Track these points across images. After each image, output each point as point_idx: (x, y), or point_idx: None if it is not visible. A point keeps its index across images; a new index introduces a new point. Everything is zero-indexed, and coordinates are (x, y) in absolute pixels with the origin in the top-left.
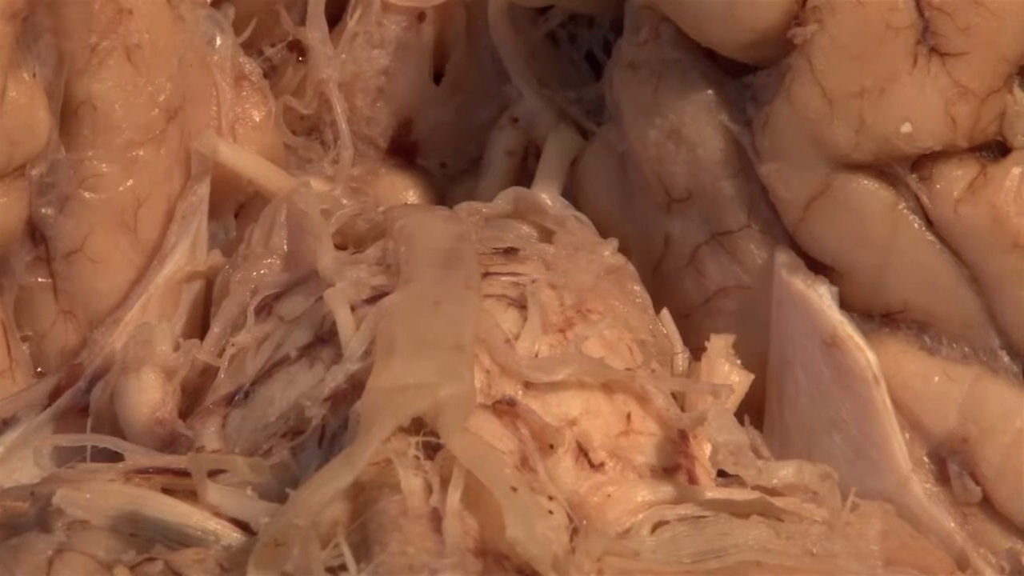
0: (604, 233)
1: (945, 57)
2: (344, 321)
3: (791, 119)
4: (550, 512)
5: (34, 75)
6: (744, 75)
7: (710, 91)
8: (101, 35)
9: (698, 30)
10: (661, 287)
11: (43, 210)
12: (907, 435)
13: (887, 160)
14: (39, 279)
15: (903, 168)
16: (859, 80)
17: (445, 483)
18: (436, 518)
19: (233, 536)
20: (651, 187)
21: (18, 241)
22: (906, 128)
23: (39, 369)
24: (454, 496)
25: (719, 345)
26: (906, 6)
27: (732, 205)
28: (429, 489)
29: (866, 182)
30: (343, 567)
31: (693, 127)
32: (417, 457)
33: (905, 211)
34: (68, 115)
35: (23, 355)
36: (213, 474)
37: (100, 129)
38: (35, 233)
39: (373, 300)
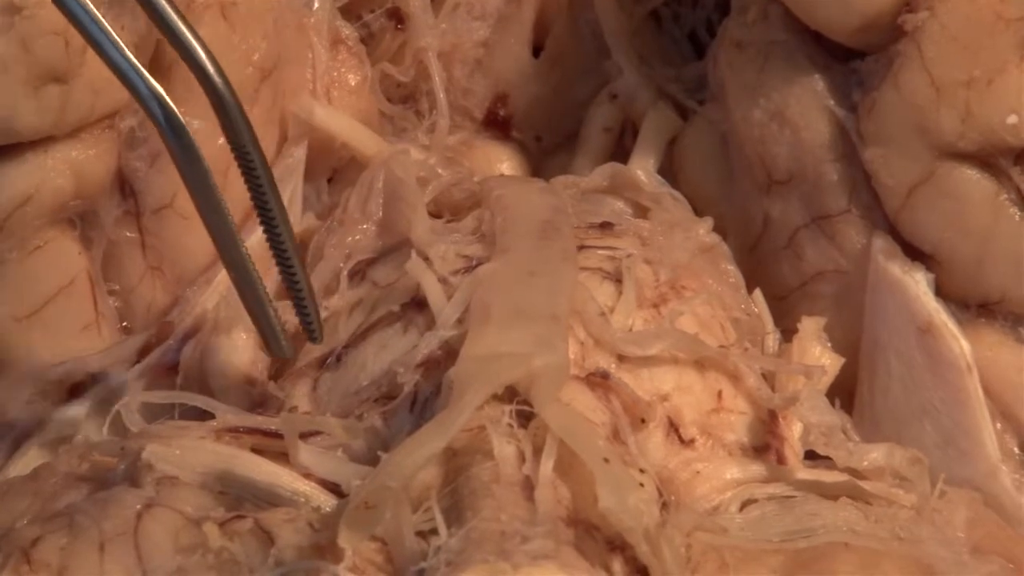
0: (701, 212)
1: None
2: (431, 288)
3: (898, 106)
4: (641, 485)
5: (123, 28)
6: (851, 60)
7: (816, 74)
8: None
9: (808, 13)
10: (757, 268)
11: (134, 164)
12: (998, 425)
13: (991, 151)
14: (128, 233)
15: (1006, 160)
16: (968, 70)
17: (538, 452)
18: (528, 486)
19: (323, 498)
20: (752, 168)
21: (107, 194)
22: (1012, 120)
23: (124, 324)
24: (547, 465)
25: (810, 327)
26: None
27: (833, 189)
28: (522, 457)
29: (969, 172)
30: (434, 531)
31: (798, 109)
32: (510, 425)
33: (1006, 202)
34: (162, 70)
35: (110, 309)
36: (305, 436)
37: (193, 85)
38: (125, 187)
39: (469, 269)
